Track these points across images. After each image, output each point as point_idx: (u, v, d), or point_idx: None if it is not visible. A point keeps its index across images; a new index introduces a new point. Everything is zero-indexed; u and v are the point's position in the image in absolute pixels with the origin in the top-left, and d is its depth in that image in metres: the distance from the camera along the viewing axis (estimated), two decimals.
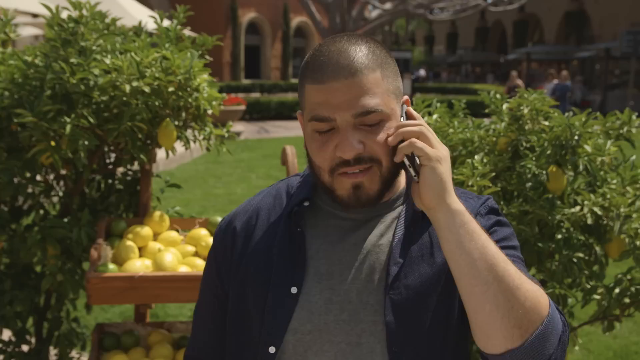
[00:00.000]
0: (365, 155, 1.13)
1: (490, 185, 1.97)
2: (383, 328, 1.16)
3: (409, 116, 1.19)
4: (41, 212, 2.63)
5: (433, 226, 1.13)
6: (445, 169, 1.10)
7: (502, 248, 1.12)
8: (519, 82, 16.87)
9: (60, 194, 2.64)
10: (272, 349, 1.19)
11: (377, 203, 1.20)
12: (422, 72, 39.54)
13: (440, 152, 1.11)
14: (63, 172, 2.53)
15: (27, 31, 10.75)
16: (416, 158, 1.11)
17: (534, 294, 1.08)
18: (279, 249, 1.23)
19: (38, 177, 2.54)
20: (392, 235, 1.22)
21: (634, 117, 2.25)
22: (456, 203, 1.10)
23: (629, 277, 2.08)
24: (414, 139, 1.11)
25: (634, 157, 2.18)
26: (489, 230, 1.20)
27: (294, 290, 1.19)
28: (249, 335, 1.23)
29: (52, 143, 2.22)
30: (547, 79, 18.34)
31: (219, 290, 1.31)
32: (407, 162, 1.13)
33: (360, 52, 1.13)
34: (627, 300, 2.07)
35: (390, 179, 1.18)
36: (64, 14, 2.37)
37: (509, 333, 1.05)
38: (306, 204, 1.25)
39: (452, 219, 1.08)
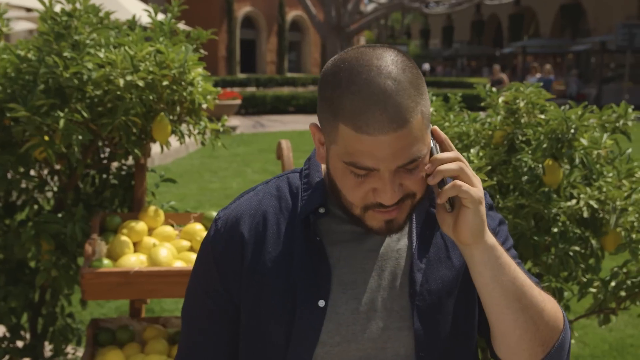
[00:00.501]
0: (403, 195, 1.10)
1: (487, 178, 1.97)
2: (409, 333, 1.17)
3: (435, 137, 1.14)
4: (35, 207, 2.62)
5: (465, 259, 1.13)
6: (484, 207, 1.10)
7: (506, 250, 1.14)
8: (503, 75, 16.85)
9: (55, 189, 2.62)
10: None
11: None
12: (426, 67, 39.32)
13: (480, 190, 1.10)
14: (57, 167, 2.52)
15: (21, 25, 10.70)
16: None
17: (553, 310, 1.15)
18: (298, 259, 1.19)
19: (32, 172, 2.53)
20: (407, 239, 1.21)
21: (629, 110, 2.25)
22: (490, 238, 1.11)
23: (624, 270, 2.08)
24: (458, 182, 1.08)
25: (629, 150, 2.18)
26: (494, 231, 1.21)
27: (321, 303, 1.16)
28: (271, 349, 1.19)
29: (46, 138, 2.20)
30: (530, 72, 18.31)
31: (221, 296, 1.24)
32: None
33: (405, 93, 1.03)
34: (622, 293, 2.08)
35: (418, 206, 1.16)
36: (57, 8, 2.36)
37: (534, 351, 1.13)
38: (322, 210, 1.21)
39: (487, 255, 1.10)
